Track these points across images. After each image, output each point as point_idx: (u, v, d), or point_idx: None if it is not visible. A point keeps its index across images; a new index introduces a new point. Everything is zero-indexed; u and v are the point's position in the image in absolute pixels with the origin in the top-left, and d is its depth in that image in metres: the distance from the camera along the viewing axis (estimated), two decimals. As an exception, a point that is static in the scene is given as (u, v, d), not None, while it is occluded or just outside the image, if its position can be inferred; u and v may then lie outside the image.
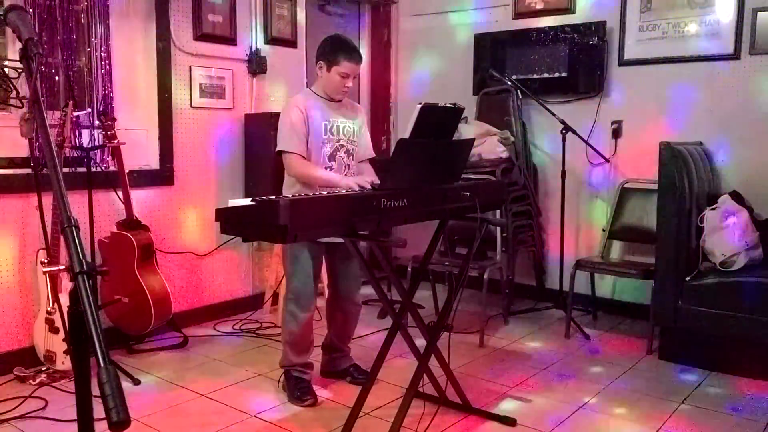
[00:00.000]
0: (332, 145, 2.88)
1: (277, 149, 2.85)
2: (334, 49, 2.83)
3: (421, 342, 2.70)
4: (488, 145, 4.23)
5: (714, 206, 3.58)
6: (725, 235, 3.47)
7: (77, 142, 3.43)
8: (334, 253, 3.01)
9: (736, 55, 3.90)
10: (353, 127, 2.95)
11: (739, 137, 3.93)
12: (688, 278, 3.45)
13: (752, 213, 3.64)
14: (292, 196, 2.23)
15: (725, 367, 3.35)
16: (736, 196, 3.68)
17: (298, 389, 2.97)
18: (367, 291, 3.18)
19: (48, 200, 3.07)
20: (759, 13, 3.79)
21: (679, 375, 3.35)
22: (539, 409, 2.94)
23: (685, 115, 4.10)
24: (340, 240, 2.58)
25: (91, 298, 1.09)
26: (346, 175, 2.87)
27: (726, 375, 3.32)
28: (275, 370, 3.25)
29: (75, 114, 3.25)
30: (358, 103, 3.10)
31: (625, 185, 4.28)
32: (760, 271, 3.37)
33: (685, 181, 3.45)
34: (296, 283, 2.93)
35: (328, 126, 2.87)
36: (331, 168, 2.88)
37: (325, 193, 2.46)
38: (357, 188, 2.51)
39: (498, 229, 4.08)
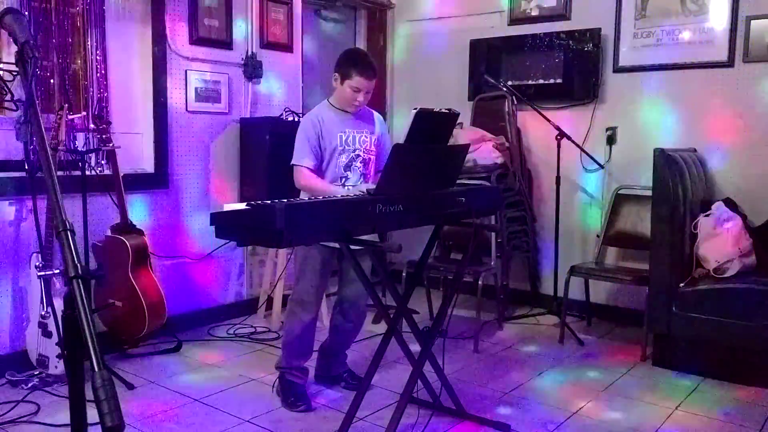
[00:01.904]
0: (348, 155, 2.90)
1: (291, 163, 2.88)
2: (348, 63, 2.85)
3: (415, 347, 2.70)
4: (483, 150, 4.24)
5: (708, 213, 3.60)
6: (719, 241, 3.48)
7: (72, 145, 3.42)
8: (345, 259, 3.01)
9: (729, 63, 3.93)
10: (370, 136, 2.96)
11: (733, 144, 3.95)
12: (682, 284, 3.46)
13: (746, 220, 3.66)
14: (288, 201, 2.23)
15: (719, 373, 3.35)
16: (730, 203, 3.70)
17: (291, 394, 2.97)
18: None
19: (42, 204, 3.07)
20: (752, 21, 3.82)
21: (673, 381, 3.36)
22: (533, 414, 2.94)
23: (679, 122, 4.13)
24: (357, 246, 2.57)
25: (85, 302, 1.09)
26: (362, 183, 2.89)
27: (720, 381, 3.32)
28: (269, 375, 3.25)
29: (70, 117, 3.24)
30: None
31: (620, 191, 4.30)
32: (754, 278, 3.39)
33: (679, 187, 3.47)
34: (303, 285, 2.94)
35: (343, 137, 2.88)
36: (346, 178, 2.89)
37: (320, 198, 2.46)
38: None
39: (493, 234, 4.08)
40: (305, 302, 2.94)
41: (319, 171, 2.88)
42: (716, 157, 4.00)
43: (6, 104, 3.17)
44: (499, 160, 4.26)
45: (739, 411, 3.01)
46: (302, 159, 2.84)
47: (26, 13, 3.17)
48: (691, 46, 4.04)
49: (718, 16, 3.94)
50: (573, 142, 4.27)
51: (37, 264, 3.16)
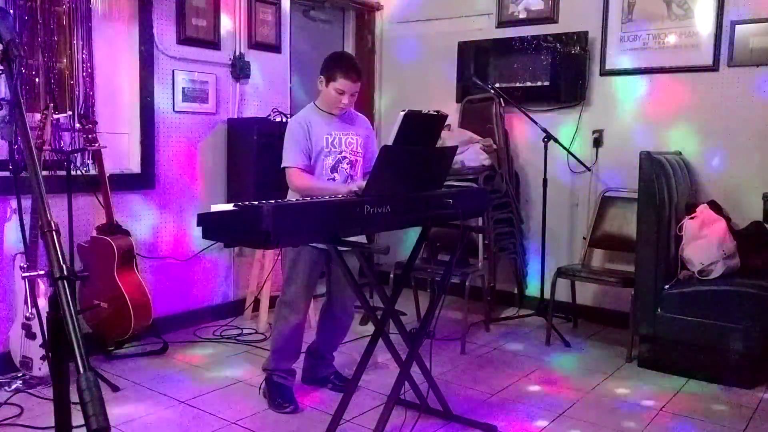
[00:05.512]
0: (334, 157, 2.90)
1: (281, 166, 2.87)
2: (333, 65, 2.87)
3: (402, 349, 2.70)
4: (471, 152, 4.25)
5: (692, 215, 3.63)
6: (703, 244, 3.52)
7: (57, 145, 3.39)
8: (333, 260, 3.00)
9: (714, 67, 3.97)
10: (356, 138, 2.97)
11: (718, 148, 3.99)
12: (666, 286, 3.49)
13: (730, 222, 3.70)
14: (275, 202, 2.22)
15: (703, 375, 3.38)
16: (714, 206, 3.74)
17: (279, 396, 2.96)
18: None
19: (27, 204, 3.04)
20: (737, 26, 3.86)
21: (659, 382, 3.38)
22: (520, 416, 2.95)
23: (664, 125, 4.16)
24: (345, 248, 2.57)
25: (70, 303, 1.08)
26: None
27: (704, 383, 3.35)
28: (256, 377, 3.24)
29: (55, 117, 3.22)
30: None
31: (606, 194, 4.32)
32: (737, 280, 3.42)
33: (664, 190, 3.50)
34: (292, 286, 2.94)
35: (330, 139, 2.89)
36: (333, 179, 2.89)
37: (308, 199, 2.46)
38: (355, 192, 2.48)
39: (480, 236, 4.09)
40: (294, 304, 2.94)
41: (309, 172, 2.88)
42: (701, 160, 4.04)
43: (-10, 103, 3.14)
44: (487, 162, 4.27)
45: (724, 412, 3.04)
46: (294, 160, 2.84)
47: (11, 11, 3.14)
48: (677, 50, 4.08)
49: (703, 21, 3.98)
50: (560, 144, 4.29)
51: (22, 265, 3.13)
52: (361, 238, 2.94)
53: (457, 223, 2.61)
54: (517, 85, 4.60)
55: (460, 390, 3.22)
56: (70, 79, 3.46)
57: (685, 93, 4.08)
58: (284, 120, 4.06)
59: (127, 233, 3.49)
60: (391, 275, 4.02)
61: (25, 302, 3.12)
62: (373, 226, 2.61)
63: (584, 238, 4.38)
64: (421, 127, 2.58)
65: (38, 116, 3.13)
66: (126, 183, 3.72)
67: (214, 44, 4.12)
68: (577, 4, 4.44)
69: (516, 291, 4.73)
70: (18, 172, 3.13)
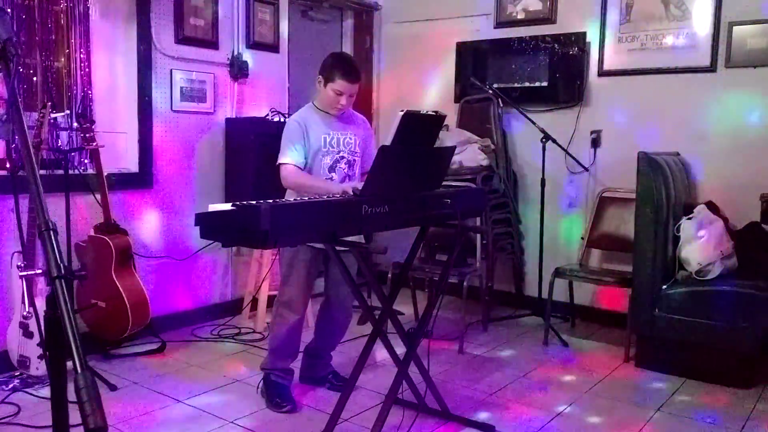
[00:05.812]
0: (332, 156, 2.90)
1: (277, 163, 2.87)
2: (332, 66, 2.86)
3: (400, 348, 2.70)
4: (469, 152, 4.25)
5: (690, 216, 3.63)
6: (701, 244, 3.52)
7: (55, 144, 3.39)
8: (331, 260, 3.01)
9: (712, 68, 3.97)
10: (354, 138, 2.97)
11: (715, 148, 4.00)
12: (664, 287, 3.49)
13: (727, 223, 3.70)
14: (273, 201, 2.22)
15: (700, 375, 3.39)
16: (712, 206, 3.74)
17: (277, 395, 2.96)
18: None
19: (24, 203, 3.04)
20: (734, 27, 3.87)
21: (655, 382, 3.39)
22: (517, 416, 2.95)
23: (662, 126, 4.16)
24: (344, 248, 2.57)
25: (68, 302, 1.08)
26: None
27: (701, 383, 3.36)
28: (253, 376, 3.23)
29: (53, 116, 3.21)
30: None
31: (604, 194, 4.33)
32: (735, 281, 3.43)
33: (662, 190, 3.50)
34: (290, 286, 2.95)
35: (327, 139, 2.89)
36: (331, 179, 2.90)
37: (306, 198, 2.46)
38: (350, 192, 2.48)
39: (478, 236, 4.10)
40: (292, 304, 2.95)
41: (305, 171, 2.88)
42: (699, 160, 4.05)
43: (-12, 102, 3.14)
44: (485, 162, 4.27)
45: (721, 412, 3.04)
46: (289, 158, 2.84)
47: (9, 10, 3.13)
48: (675, 50, 4.09)
49: (701, 22, 3.99)
50: (558, 144, 4.30)
51: (19, 264, 3.12)
52: (359, 238, 2.94)
53: (455, 223, 2.61)
54: (516, 85, 4.61)
55: (458, 390, 3.22)
56: (68, 78, 3.46)
57: (683, 94, 4.09)
58: (282, 120, 4.06)
59: (124, 232, 3.48)
60: (389, 275, 4.02)
61: (23, 301, 3.11)
62: (371, 226, 2.61)
63: (582, 238, 4.38)
64: (419, 127, 2.58)
65: (36, 115, 3.12)
66: (124, 182, 3.72)
67: (212, 44, 4.12)
68: (575, 5, 4.44)
69: (514, 291, 4.73)
70: (15, 171, 3.13)
